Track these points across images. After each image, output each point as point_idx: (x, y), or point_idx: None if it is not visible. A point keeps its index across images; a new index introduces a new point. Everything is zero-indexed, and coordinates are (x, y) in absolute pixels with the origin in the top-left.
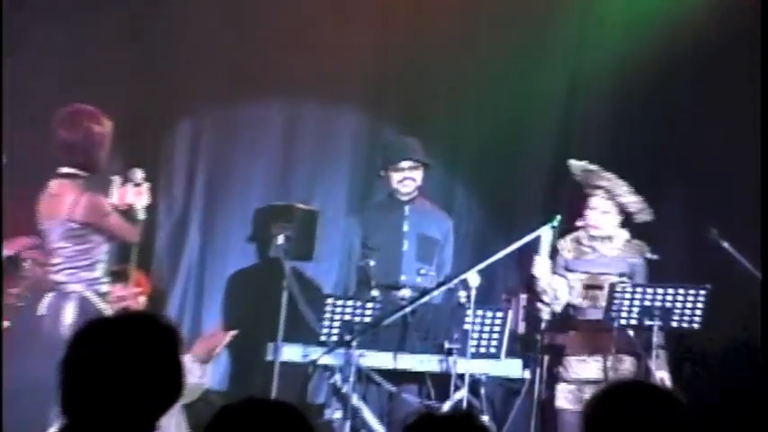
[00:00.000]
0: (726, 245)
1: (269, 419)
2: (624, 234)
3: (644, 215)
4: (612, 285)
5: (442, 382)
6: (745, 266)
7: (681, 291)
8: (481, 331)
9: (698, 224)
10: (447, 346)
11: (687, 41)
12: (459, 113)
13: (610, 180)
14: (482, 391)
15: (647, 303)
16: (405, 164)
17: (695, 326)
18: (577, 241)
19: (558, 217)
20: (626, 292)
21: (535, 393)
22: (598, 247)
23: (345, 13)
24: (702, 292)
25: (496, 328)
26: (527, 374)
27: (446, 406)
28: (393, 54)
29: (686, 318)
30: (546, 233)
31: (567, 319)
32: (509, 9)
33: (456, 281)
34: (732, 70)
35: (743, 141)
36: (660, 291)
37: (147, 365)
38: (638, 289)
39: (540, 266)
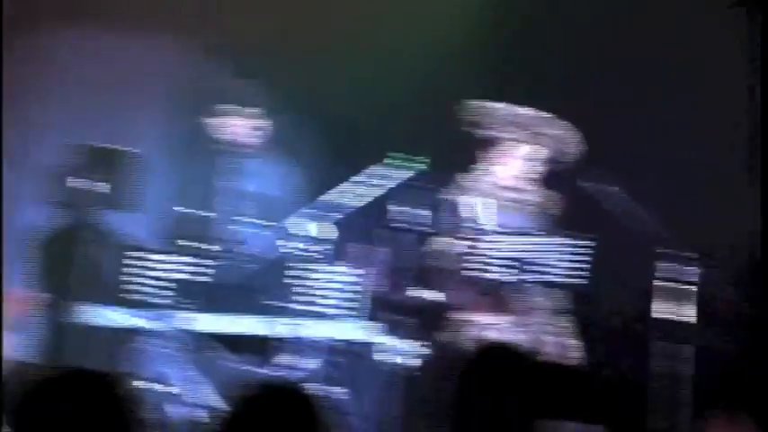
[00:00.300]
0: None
1: (88, 392)
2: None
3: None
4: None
5: (290, 349)
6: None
7: (557, 240)
8: (336, 290)
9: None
10: (296, 307)
11: None
12: (304, 54)
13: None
14: (339, 359)
15: (512, 254)
16: (245, 110)
17: (577, 280)
18: (488, 192)
19: (425, 160)
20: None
21: (395, 359)
22: (523, 200)
23: None
24: (584, 243)
25: (353, 287)
26: (387, 338)
27: (294, 375)
28: None
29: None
30: None
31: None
32: None
33: (308, 234)
34: None
35: None
36: (530, 240)
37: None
38: (503, 238)
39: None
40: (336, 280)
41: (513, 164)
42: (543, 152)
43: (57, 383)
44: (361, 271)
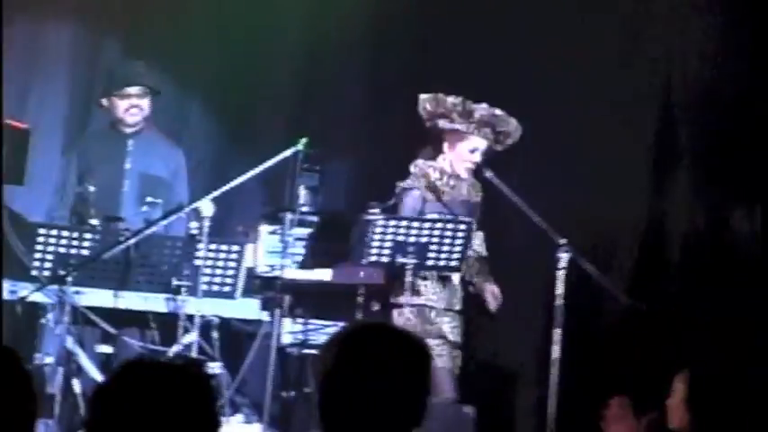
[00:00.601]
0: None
1: None
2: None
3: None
4: (363, 221)
5: (169, 324)
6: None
7: (438, 225)
8: (214, 267)
9: None
10: (175, 283)
11: None
12: (192, 35)
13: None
14: (214, 334)
15: (399, 239)
16: (131, 90)
17: (453, 264)
18: (431, 181)
19: (304, 140)
20: (378, 225)
21: (274, 337)
22: (459, 188)
23: None
24: (462, 226)
25: (231, 264)
26: (265, 316)
27: (173, 350)
28: None
29: (444, 256)
30: None
31: None
32: None
33: (186, 210)
34: None
35: None
36: (415, 224)
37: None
38: (392, 222)
39: None
40: (215, 257)
41: (458, 153)
42: (484, 144)
43: None
44: (238, 248)
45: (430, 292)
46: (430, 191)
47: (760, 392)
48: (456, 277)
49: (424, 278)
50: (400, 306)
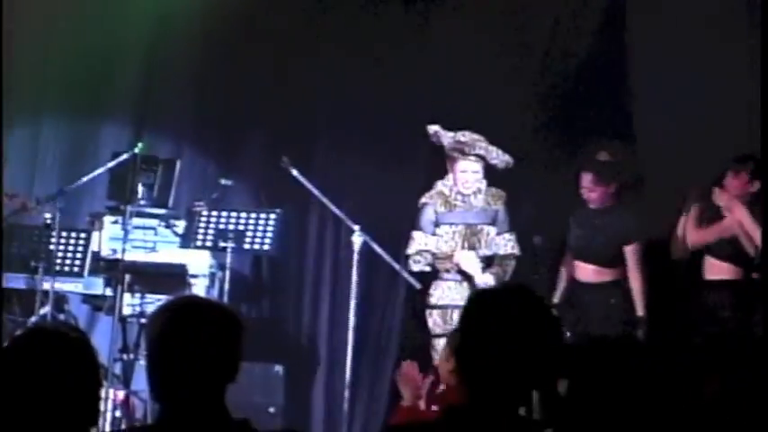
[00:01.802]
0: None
1: None
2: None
3: (499, 160)
4: (191, 212)
5: (28, 299)
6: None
7: (253, 215)
8: (65, 251)
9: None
10: (33, 264)
11: None
12: (46, 50)
13: (483, 147)
14: (66, 306)
15: (221, 227)
16: None
17: (266, 248)
18: (444, 197)
19: (141, 144)
20: (202, 216)
21: (116, 309)
22: (470, 200)
23: None
24: (273, 216)
25: (80, 248)
26: (109, 292)
27: (31, 321)
28: None
29: (258, 240)
30: None
31: None
32: None
33: (43, 203)
34: None
35: None
36: (234, 214)
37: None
38: (214, 213)
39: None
40: (66, 242)
41: (456, 174)
42: (474, 165)
43: None
44: (85, 234)
45: (454, 292)
46: (443, 205)
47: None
48: (485, 278)
49: (447, 279)
50: None
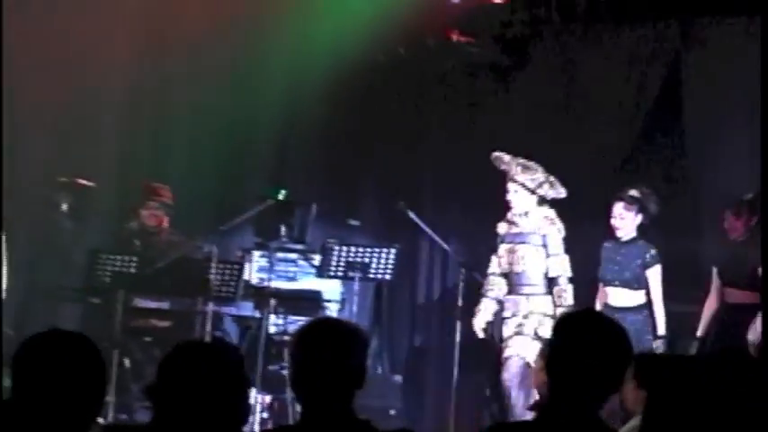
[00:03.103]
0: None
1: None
2: (542, 210)
3: (547, 191)
4: (325, 247)
5: (190, 319)
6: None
7: (376, 249)
8: (222, 279)
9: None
10: (194, 290)
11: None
12: (199, 111)
13: (506, 163)
14: (222, 326)
15: (350, 260)
16: None
17: (387, 277)
18: (507, 219)
19: (283, 192)
20: (334, 250)
21: (263, 328)
22: (518, 222)
23: None
24: (393, 250)
25: (234, 277)
26: (257, 314)
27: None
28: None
29: (380, 271)
30: None
31: None
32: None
33: (203, 241)
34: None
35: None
36: (360, 249)
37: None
38: (344, 247)
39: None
40: (222, 272)
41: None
42: (518, 187)
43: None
44: (238, 266)
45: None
46: (506, 223)
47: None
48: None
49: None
50: None
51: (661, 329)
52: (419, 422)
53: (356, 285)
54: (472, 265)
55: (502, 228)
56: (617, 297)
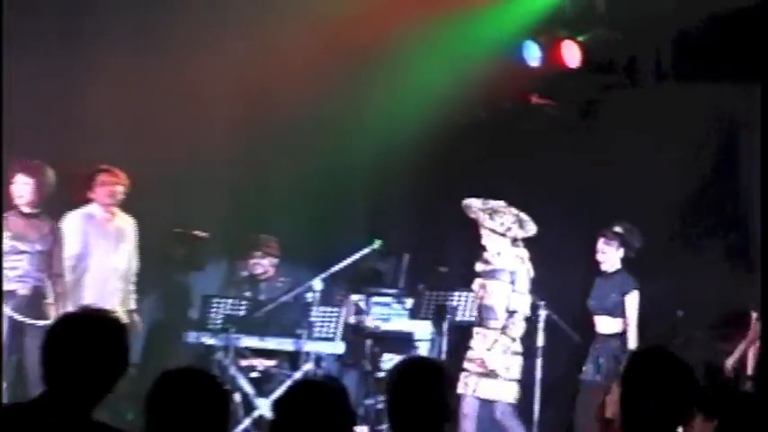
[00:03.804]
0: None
1: (201, 386)
2: (515, 250)
3: (516, 232)
4: (417, 291)
5: (294, 358)
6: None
7: (464, 294)
8: (322, 321)
9: None
10: (297, 331)
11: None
12: (300, 167)
13: (474, 211)
14: (323, 364)
15: (439, 303)
16: None
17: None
18: (482, 259)
19: (379, 242)
20: (424, 295)
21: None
22: (491, 260)
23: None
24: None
25: (333, 319)
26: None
27: (297, 375)
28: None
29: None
30: None
31: None
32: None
33: (305, 286)
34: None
35: None
36: (449, 293)
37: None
38: (434, 292)
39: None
40: (323, 316)
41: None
42: (487, 232)
43: (184, 376)
44: (337, 309)
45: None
46: (482, 263)
47: None
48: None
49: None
50: None
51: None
52: None
53: (445, 326)
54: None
55: (479, 266)
56: (601, 324)
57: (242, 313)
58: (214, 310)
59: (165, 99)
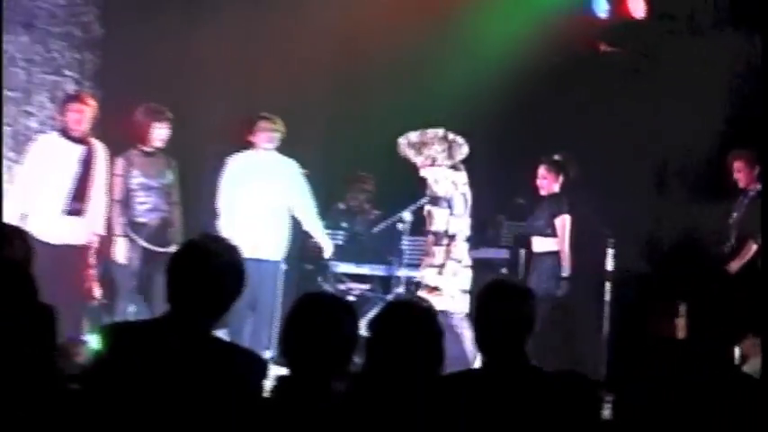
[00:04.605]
0: None
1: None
2: (452, 175)
3: (444, 161)
4: (495, 220)
5: (386, 282)
6: None
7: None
8: (412, 249)
9: None
10: (389, 258)
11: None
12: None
13: (403, 151)
14: (412, 287)
15: (518, 233)
16: None
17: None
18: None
19: None
20: (503, 224)
21: None
22: (432, 188)
23: None
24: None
25: (421, 246)
26: None
27: (389, 297)
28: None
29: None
30: None
31: None
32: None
33: (396, 217)
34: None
35: None
36: (523, 223)
37: None
38: (513, 222)
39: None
40: (413, 245)
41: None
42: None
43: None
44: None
45: None
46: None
47: None
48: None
49: None
50: None
51: (565, 272)
52: None
53: (522, 254)
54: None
55: (427, 195)
56: (535, 244)
57: (339, 242)
58: (315, 239)
59: (272, 51)
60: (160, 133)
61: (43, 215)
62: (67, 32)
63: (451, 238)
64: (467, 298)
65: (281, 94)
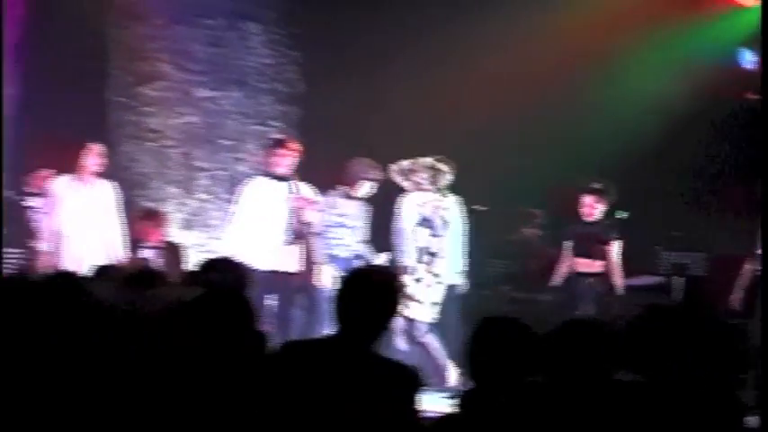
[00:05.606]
0: None
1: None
2: (437, 201)
3: (428, 186)
4: None
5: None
6: None
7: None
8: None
9: None
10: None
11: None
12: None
13: (396, 178)
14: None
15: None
16: None
17: None
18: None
19: (625, 213)
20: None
21: None
22: (420, 210)
23: None
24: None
25: None
26: None
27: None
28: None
29: None
30: None
31: None
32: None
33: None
34: None
35: None
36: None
37: None
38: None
39: None
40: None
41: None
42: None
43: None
44: None
45: None
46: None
47: None
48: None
49: None
50: None
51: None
52: None
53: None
54: None
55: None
56: (581, 265)
57: (511, 270)
58: (491, 268)
59: (455, 93)
60: (365, 186)
61: (258, 246)
62: (273, 88)
63: (432, 255)
64: (435, 308)
65: (459, 132)
